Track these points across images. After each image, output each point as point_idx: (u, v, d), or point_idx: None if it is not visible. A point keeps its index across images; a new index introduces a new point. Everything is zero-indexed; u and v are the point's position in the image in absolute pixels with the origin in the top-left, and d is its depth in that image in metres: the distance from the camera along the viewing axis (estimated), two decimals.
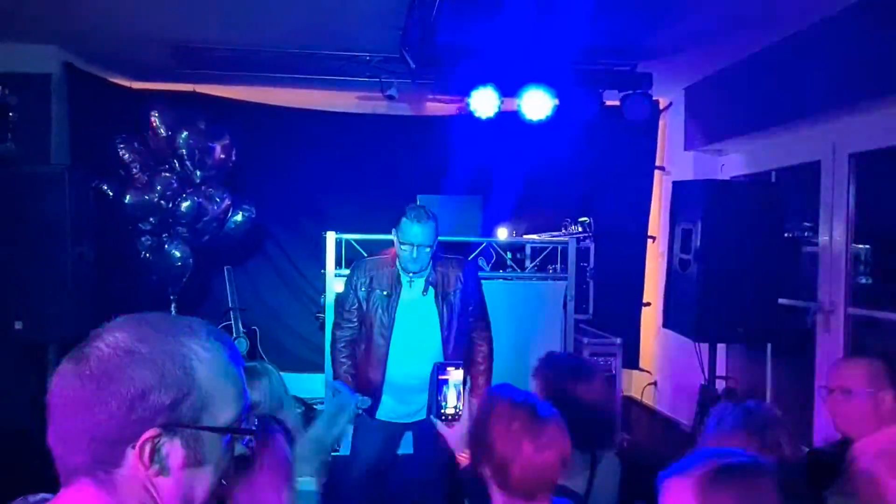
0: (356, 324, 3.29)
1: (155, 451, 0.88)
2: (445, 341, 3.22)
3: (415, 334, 3.22)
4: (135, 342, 0.90)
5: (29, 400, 4.29)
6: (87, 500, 0.87)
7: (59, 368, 0.90)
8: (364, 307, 3.25)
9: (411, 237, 3.10)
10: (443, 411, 2.18)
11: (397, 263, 3.24)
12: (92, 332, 0.93)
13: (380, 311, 3.21)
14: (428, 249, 3.14)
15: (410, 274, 3.22)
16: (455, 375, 2.24)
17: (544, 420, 1.68)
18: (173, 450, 0.89)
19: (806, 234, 4.81)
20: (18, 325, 3.69)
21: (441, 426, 2.18)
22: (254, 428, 0.97)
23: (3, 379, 3.99)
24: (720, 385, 4.30)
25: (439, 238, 3.23)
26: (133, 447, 0.87)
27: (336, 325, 3.38)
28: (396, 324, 3.20)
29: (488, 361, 3.36)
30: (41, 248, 3.75)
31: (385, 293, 3.22)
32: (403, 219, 3.12)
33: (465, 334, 3.31)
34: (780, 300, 4.10)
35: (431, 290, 3.23)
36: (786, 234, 4.29)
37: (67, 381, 0.88)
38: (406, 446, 3.43)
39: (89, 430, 0.87)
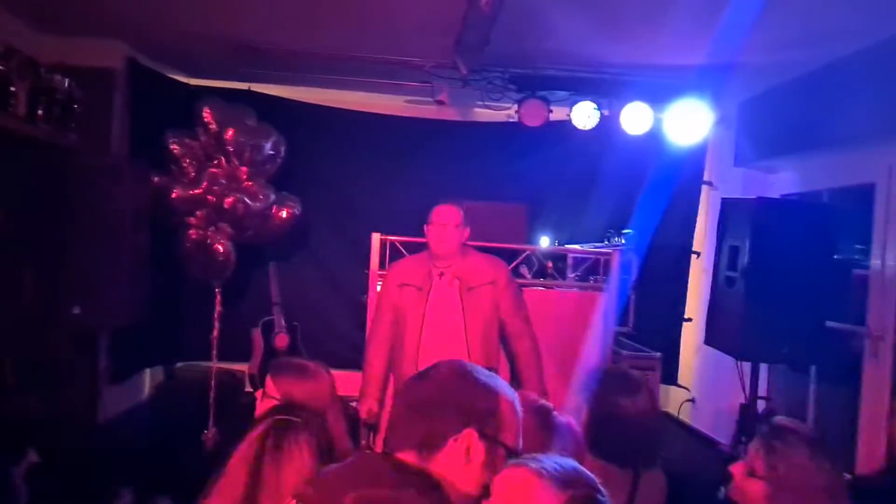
0: (392, 322, 3.38)
1: (469, 446, 1.25)
2: (470, 334, 3.25)
3: (443, 327, 3.28)
4: (464, 369, 1.35)
5: (80, 383, 4.44)
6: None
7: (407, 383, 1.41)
8: (398, 304, 3.35)
9: (435, 216, 3.28)
10: None
11: (431, 260, 3.34)
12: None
13: (412, 306, 3.30)
14: (453, 230, 3.24)
15: (441, 267, 3.30)
16: None
17: None
18: (478, 449, 1.26)
19: (857, 256, 4.70)
20: (76, 310, 3.83)
21: None
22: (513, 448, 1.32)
23: (57, 362, 4.13)
24: (761, 405, 4.25)
25: (483, 245, 3.29)
26: (455, 439, 1.26)
27: (373, 323, 3.49)
28: (426, 317, 3.28)
29: (533, 355, 3.36)
30: (101, 236, 3.89)
31: (418, 288, 3.30)
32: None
33: (495, 330, 3.33)
34: (828, 323, 4.03)
35: (457, 281, 3.30)
36: (836, 256, 4.21)
37: (414, 389, 1.35)
38: None
39: (429, 423, 1.28)
